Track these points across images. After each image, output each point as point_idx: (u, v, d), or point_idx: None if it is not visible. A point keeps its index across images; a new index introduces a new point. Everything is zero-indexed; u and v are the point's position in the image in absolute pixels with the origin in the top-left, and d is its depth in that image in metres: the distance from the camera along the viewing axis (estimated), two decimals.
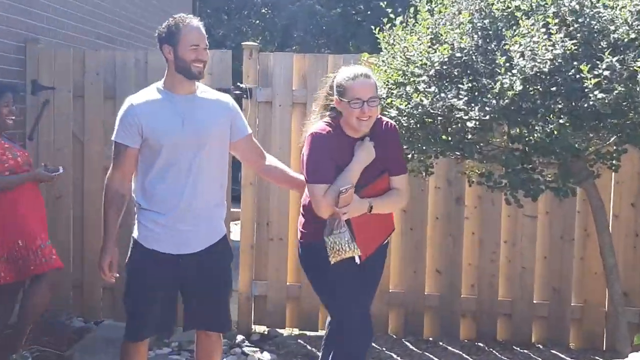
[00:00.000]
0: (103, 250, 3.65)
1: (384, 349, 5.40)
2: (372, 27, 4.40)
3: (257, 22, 19.01)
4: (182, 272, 3.67)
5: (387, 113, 3.92)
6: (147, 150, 3.62)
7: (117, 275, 3.69)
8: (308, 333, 5.69)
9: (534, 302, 5.55)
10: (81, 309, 5.86)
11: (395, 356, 5.29)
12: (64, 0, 6.50)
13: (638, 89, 3.35)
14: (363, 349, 3.70)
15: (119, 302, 5.52)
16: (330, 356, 3.63)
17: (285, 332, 5.74)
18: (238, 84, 5.63)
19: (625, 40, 3.51)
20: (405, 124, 3.86)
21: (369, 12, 18.72)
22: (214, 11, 18.18)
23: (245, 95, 5.54)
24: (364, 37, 18.15)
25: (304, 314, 5.73)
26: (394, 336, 5.63)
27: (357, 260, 3.54)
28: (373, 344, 5.06)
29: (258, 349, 5.33)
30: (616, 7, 3.67)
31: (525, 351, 5.42)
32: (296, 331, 5.75)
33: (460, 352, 5.31)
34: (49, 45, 6.07)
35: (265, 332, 5.70)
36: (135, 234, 3.70)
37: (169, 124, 3.60)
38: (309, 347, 5.43)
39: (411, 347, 5.43)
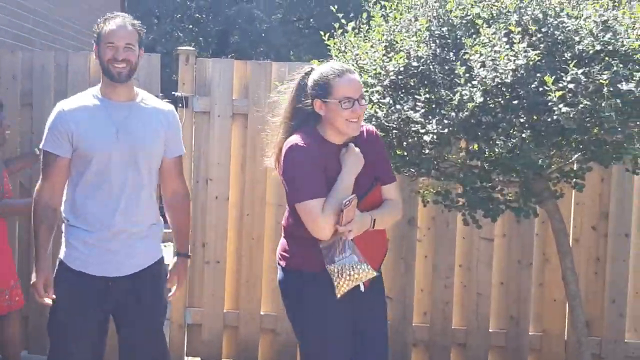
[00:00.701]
0: (37, 271, 3.57)
1: None
2: (322, 32, 4.41)
3: (191, 27, 19.02)
4: (113, 297, 3.63)
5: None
6: (76, 160, 3.58)
7: (54, 296, 3.58)
8: None
9: (490, 331, 5.59)
10: None
11: None
12: None
13: (604, 104, 3.42)
14: None
15: (34, 331, 5.43)
16: None
17: None
18: (173, 92, 5.59)
19: (591, 52, 3.59)
20: None
21: (311, 20, 18.89)
22: (144, 14, 18.12)
23: (180, 105, 5.50)
24: (306, 47, 18.33)
25: (242, 344, 5.70)
26: None
27: (362, 287, 3.35)
28: None
29: None
30: (580, 17, 3.76)
31: None
32: None
33: None
34: None
35: None
36: (61, 254, 3.65)
37: (101, 133, 3.57)
38: None
39: None
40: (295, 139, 3.36)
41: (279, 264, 3.54)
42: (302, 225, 3.31)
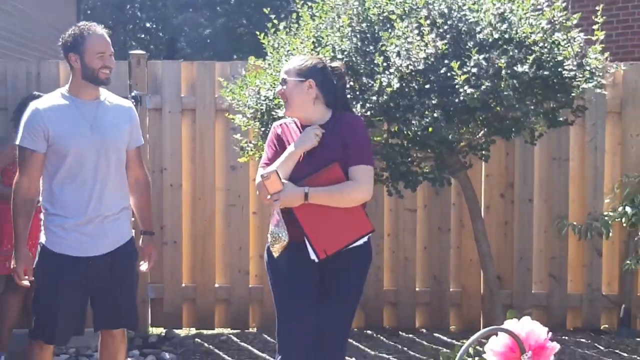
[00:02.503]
0: (17, 257, 3.53)
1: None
2: (257, 32, 4.41)
3: (142, 36, 18.80)
4: (91, 273, 3.60)
5: (274, 114, 3.94)
6: (52, 155, 3.53)
7: (32, 279, 3.56)
8: (205, 332, 5.66)
9: (417, 290, 5.65)
10: None
11: None
12: None
13: (503, 85, 3.52)
14: None
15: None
16: None
17: (183, 332, 5.68)
18: (133, 92, 5.52)
19: (490, 40, 3.69)
20: None
21: (250, 26, 18.84)
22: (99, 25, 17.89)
23: (136, 103, 5.45)
24: (247, 50, 18.31)
25: (200, 314, 5.69)
26: None
27: (314, 257, 3.26)
28: None
29: (157, 350, 5.24)
30: (481, 11, 3.85)
31: (410, 336, 5.53)
32: (193, 330, 5.71)
33: (351, 340, 5.35)
34: None
35: (163, 334, 5.62)
36: (42, 239, 3.61)
37: (76, 129, 3.52)
38: (206, 344, 5.40)
39: None
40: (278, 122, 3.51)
41: None
42: None
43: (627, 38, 9.78)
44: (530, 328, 2.37)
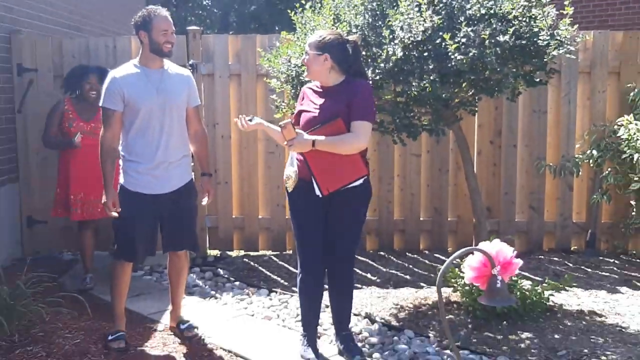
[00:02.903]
0: (107, 193, 3.61)
1: None
2: (288, 10, 4.40)
3: (200, 12, 18.66)
4: (160, 207, 3.68)
5: (302, 78, 3.93)
6: (127, 114, 3.60)
7: (120, 209, 3.62)
8: (251, 253, 5.75)
9: (421, 219, 5.72)
10: (68, 245, 5.74)
11: None
12: None
13: (487, 52, 3.48)
14: (305, 278, 3.54)
15: (99, 237, 5.54)
16: None
17: (234, 254, 5.78)
18: (188, 61, 5.57)
19: (478, 15, 3.63)
20: None
21: (288, 2, 18.57)
22: (163, 4, 17.77)
23: (193, 70, 5.51)
24: (286, 22, 18.12)
25: (247, 239, 5.79)
26: None
27: (318, 193, 3.31)
28: None
29: (213, 267, 5.37)
30: None
31: (415, 256, 5.60)
32: (242, 252, 5.80)
33: (367, 260, 5.48)
34: (30, 34, 5.90)
35: (218, 255, 5.73)
36: (121, 180, 3.68)
37: (145, 92, 3.59)
38: (252, 263, 5.50)
39: None
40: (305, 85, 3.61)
41: None
42: None
43: (602, 9, 9.52)
44: (499, 248, 2.45)
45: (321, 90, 3.42)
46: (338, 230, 3.47)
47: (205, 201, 3.93)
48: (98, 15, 8.36)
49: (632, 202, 5.36)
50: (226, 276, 5.16)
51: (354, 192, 3.39)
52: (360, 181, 3.38)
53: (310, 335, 3.61)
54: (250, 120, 3.54)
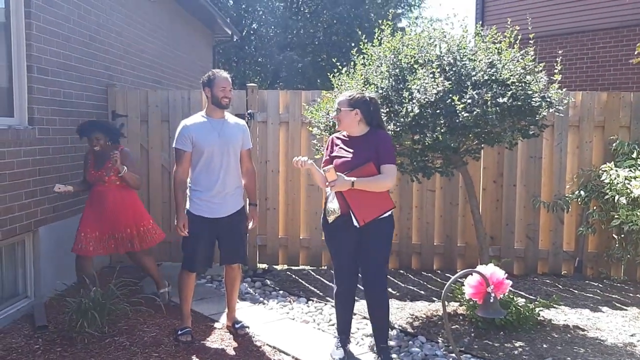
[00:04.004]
0: (178, 217, 3.73)
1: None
2: (328, 74, 4.57)
3: (256, 67, 19.09)
4: (217, 228, 3.78)
5: (336, 129, 4.02)
6: (194, 153, 3.74)
7: (188, 231, 3.70)
8: (293, 267, 5.82)
9: (435, 244, 5.74)
10: None
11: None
12: (129, 57, 6.61)
13: (488, 111, 3.58)
14: (340, 291, 3.58)
15: (172, 251, 5.75)
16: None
17: (279, 267, 5.85)
18: (247, 110, 5.71)
19: (481, 80, 3.74)
20: None
21: (329, 60, 18.90)
22: (227, 60, 18.28)
23: (250, 118, 5.65)
24: (326, 77, 18.42)
25: (289, 256, 5.87)
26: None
27: (356, 223, 3.35)
28: None
29: (262, 278, 5.45)
30: (476, 60, 3.89)
31: (429, 275, 5.61)
32: (285, 267, 5.86)
33: (389, 277, 5.42)
34: (122, 87, 6.21)
35: (266, 268, 5.80)
36: (187, 205, 3.79)
37: (209, 137, 3.72)
38: (294, 276, 5.57)
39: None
40: (334, 134, 3.61)
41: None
42: None
43: (593, 70, 9.55)
44: (493, 270, 2.58)
45: (348, 139, 3.48)
46: (372, 255, 3.45)
47: (251, 225, 3.98)
48: (176, 72, 8.67)
49: (614, 236, 5.35)
50: (272, 286, 5.23)
51: (382, 222, 3.42)
52: (389, 212, 3.44)
53: (343, 338, 3.65)
54: (306, 161, 3.46)
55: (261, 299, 4.87)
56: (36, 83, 4.57)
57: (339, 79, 4.34)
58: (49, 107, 4.79)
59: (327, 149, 3.58)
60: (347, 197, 3.34)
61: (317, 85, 18.16)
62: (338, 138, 3.55)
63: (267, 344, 3.86)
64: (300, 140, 5.79)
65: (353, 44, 17.58)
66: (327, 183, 3.32)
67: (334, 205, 3.42)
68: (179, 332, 3.86)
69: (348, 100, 3.44)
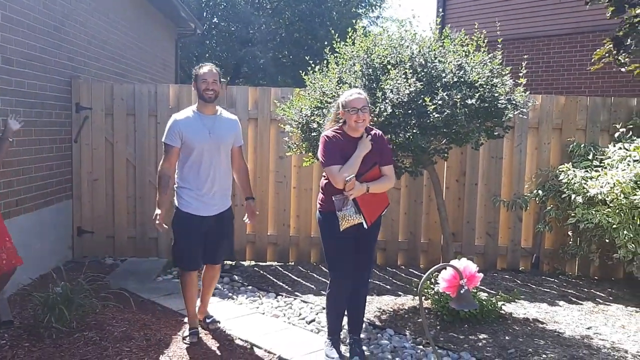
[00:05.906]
0: (160, 207, 3.64)
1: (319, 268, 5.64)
2: (300, 71, 4.52)
3: (217, 62, 18.91)
4: (205, 226, 3.72)
5: (311, 125, 4.04)
6: (183, 150, 3.67)
7: (165, 226, 3.62)
8: (260, 263, 5.84)
9: (399, 240, 5.85)
10: (110, 252, 5.88)
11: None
12: (93, 48, 6.48)
13: (458, 112, 3.68)
14: (341, 292, 3.51)
15: (136, 245, 5.68)
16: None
17: (246, 263, 5.85)
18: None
19: (451, 82, 3.83)
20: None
21: (290, 57, 18.90)
22: (188, 55, 18.01)
23: None
24: (288, 74, 18.39)
25: (257, 252, 5.88)
26: (314, 263, 5.87)
27: (365, 225, 3.33)
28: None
29: (229, 274, 5.42)
30: (445, 62, 3.98)
31: (394, 270, 5.72)
32: (252, 263, 5.88)
33: None
34: (87, 79, 6.12)
35: (233, 264, 5.79)
36: (175, 203, 3.74)
37: (199, 134, 3.65)
38: (261, 272, 5.58)
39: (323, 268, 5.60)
40: (328, 133, 3.39)
41: (318, 208, 3.50)
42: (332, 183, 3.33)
43: (548, 74, 9.92)
44: (465, 264, 2.68)
45: (349, 140, 3.38)
46: (369, 253, 3.49)
47: (248, 220, 3.92)
48: (138, 65, 8.54)
49: (569, 233, 5.58)
50: (240, 281, 5.23)
51: (379, 218, 3.49)
52: (386, 210, 3.52)
53: (335, 339, 3.59)
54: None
55: (230, 294, 4.87)
56: (0, 73, 4.44)
57: (312, 77, 4.35)
58: (13, 97, 4.66)
59: (331, 148, 3.35)
60: (359, 201, 3.31)
61: (278, 82, 18.13)
62: (341, 137, 3.39)
63: (239, 338, 3.88)
64: (269, 137, 5.80)
65: (315, 42, 17.76)
66: (345, 192, 3.27)
67: (350, 212, 3.30)
68: (186, 334, 3.79)
69: (366, 99, 3.39)
